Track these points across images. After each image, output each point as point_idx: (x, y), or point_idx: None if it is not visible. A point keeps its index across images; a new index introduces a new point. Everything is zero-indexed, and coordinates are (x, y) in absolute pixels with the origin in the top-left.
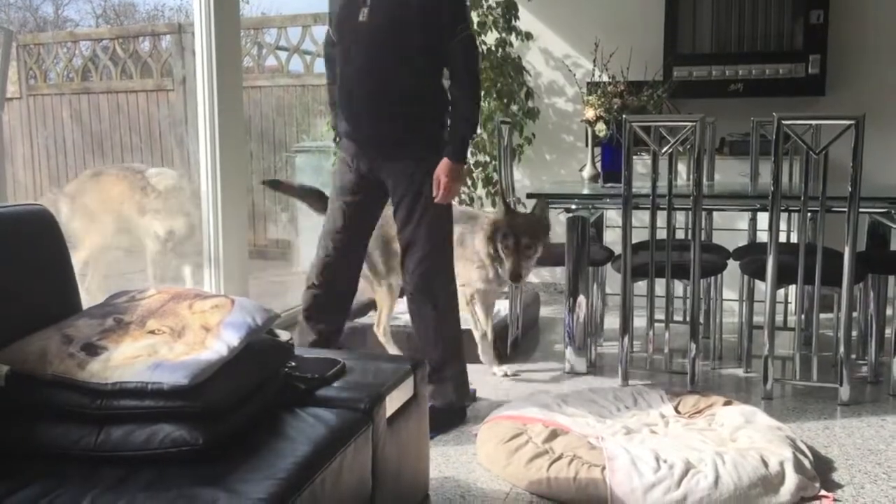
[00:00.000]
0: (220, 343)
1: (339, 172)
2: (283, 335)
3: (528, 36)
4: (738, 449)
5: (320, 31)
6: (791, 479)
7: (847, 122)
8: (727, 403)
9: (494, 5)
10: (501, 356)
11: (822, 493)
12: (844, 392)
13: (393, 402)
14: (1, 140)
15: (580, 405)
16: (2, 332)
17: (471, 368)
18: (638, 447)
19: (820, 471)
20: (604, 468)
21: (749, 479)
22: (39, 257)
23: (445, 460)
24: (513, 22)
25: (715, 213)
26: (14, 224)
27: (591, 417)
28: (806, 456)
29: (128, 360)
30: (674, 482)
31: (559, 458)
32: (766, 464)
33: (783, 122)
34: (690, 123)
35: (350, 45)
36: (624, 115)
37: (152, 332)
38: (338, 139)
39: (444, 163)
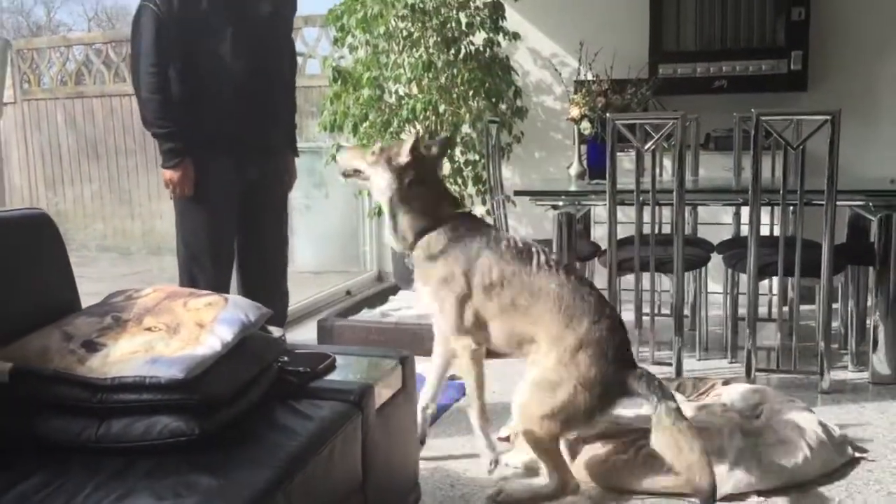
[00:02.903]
0: (214, 338)
1: (215, 180)
2: (276, 331)
3: (516, 36)
4: (771, 423)
5: (311, 33)
6: (834, 441)
7: (823, 118)
8: (726, 383)
9: (481, 6)
10: None
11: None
12: (825, 381)
13: (382, 394)
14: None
15: None
16: (5, 330)
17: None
18: None
19: None
20: None
21: (814, 445)
22: (40, 259)
23: (436, 451)
24: (500, 22)
25: (700, 208)
26: (15, 228)
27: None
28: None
29: (126, 356)
30: (753, 459)
31: (639, 449)
32: (805, 431)
33: (762, 118)
34: (672, 120)
35: (240, 36)
36: (608, 114)
37: (149, 329)
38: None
39: (293, 159)
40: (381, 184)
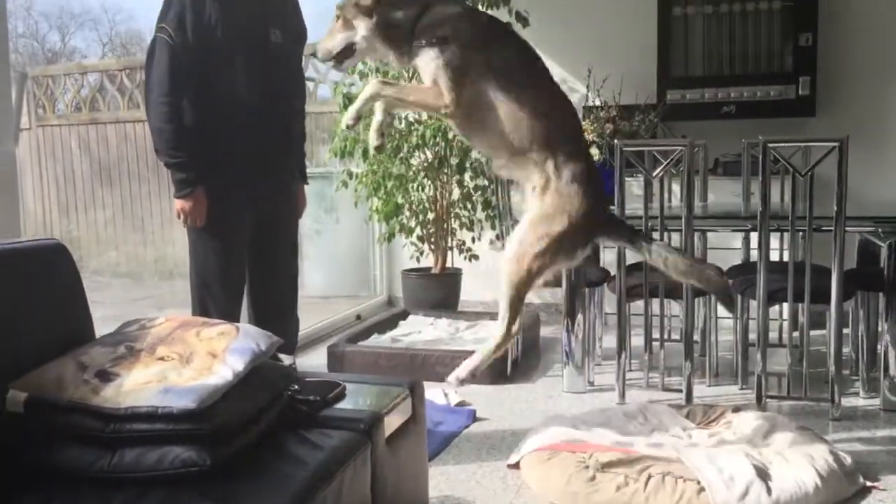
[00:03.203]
0: (226, 368)
1: (227, 209)
2: (287, 359)
3: None
4: (781, 451)
5: None
6: (845, 469)
7: (831, 145)
8: (736, 410)
9: None
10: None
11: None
12: (836, 407)
13: (392, 423)
14: (15, 174)
15: (602, 425)
16: (21, 360)
17: (468, 389)
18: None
19: None
20: (698, 481)
21: (825, 473)
22: (55, 289)
23: (445, 479)
24: None
25: (710, 233)
26: (32, 258)
27: (627, 438)
28: (836, 452)
29: (139, 386)
30: (762, 488)
31: (649, 477)
32: (815, 459)
33: (769, 145)
34: (680, 147)
35: (253, 64)
36: (616, 140)
37: (162, 358)
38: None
39: (303, 187)
40: (365, 33)
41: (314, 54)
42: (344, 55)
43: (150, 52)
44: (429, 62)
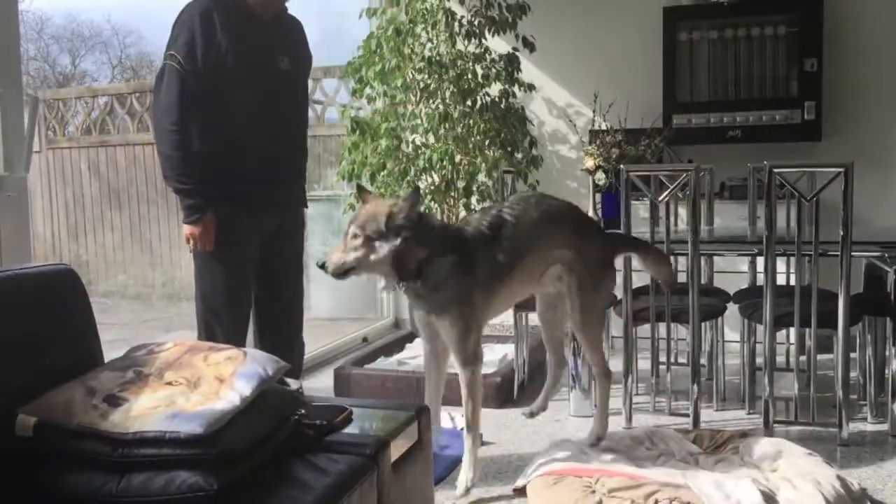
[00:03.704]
0: (233, 393)
1: (235, 234)
2: (294, 384)
3: (531, 87)
4: (789, 477)
5: (330, 84)
6: (853, 495)
7: (836, 170)
8: (744, 435)
9: (497, 59)
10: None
11: None
12: (844, 433)
13: (398, 448)
14: (26, 200)
15: (609, 450)
16: (31, 385)
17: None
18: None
19: None
20: None
21: (832, 499)
22: (66, 314)
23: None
24: (515, 74)
25: (716, 257)
26: (42, 283)
27: (634, 463)
28: (844, 478)
29: (147, 411)
30: None
31: (656, 502)
32: (822, 484)
33: (775, 170)
34: (686, 172)
35: (262, 92)
36: (621, 165)
37: (170, 383)
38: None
39: (304, 211)
40: (384, 254)
41: (322, 266)
42: (352, 269)
43: (158, 79)
44: (450, 330)
